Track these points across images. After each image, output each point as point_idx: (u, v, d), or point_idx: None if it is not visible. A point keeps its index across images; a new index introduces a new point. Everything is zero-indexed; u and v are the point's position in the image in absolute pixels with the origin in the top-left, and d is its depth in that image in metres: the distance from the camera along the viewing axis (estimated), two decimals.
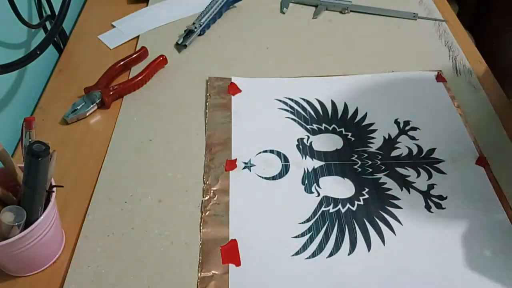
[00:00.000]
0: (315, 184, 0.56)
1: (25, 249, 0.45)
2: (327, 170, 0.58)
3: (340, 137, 0.62)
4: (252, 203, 0.54)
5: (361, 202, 0.54)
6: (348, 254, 0.50)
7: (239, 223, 0.52)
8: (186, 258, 0.50)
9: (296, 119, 0.64)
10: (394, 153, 0.60)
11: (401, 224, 0.52)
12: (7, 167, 0.46)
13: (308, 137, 0.62)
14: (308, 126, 0.63)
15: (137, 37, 0.80)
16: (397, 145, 0.60)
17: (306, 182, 0.57)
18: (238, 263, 0.49)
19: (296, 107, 0.66)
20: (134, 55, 0.73)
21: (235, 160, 0.59)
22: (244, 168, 0.58)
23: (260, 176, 0.57)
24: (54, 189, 0.47)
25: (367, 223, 0.52)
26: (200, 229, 0.52)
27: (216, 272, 0.48)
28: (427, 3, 0.86)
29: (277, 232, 0.52)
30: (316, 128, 0.63)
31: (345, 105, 0.66)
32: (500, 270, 0.48)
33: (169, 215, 0.54)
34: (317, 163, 0.59)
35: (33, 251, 0.46)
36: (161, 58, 0.72)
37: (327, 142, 0.61)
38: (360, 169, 0.58)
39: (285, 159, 0.59)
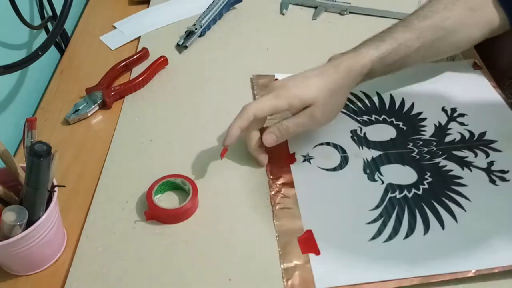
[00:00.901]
0: (377, 172, 0.57)
1: (26, 248, 0.45)
2: (386, 159, 0.59)
3: (392, 127, 0.62)
4: (319, 194, 0.55)
5: (426, 186, 0.55)
6: (424, 234, 0.51)
7: (310, 214, 0.53)
8: (187, 258, 0.50)
9: (345, 111, 0.65)
10: (448, 138, 0.61)
11: (469, 200, 0.53)
12: (9, 167, 0.47)
13: (361, 128, 0.62)
14: (358, 118, 0.64)
15: (138, 38, 0.81)
16: (449, 131, 0.61)
17: (368, 171, 0.57)
18: (317, 252, 0.49)
19: None
20: (135, 56, 0.74)
21: (294, 153, 0.59)
22: (303, 161, 0.59)
23: (322, 168, 0.58)
24: (56, 188, 0.47)
25: (436, 204, 0.53)
26: (274, 223, 0.52)
27: (298, 262, 0.49)
28: None
29: (349, 219, 0.53)
30: (367, 120, 0.64)
31: (391, 96, 0.67)
32: None
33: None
34: (375, 153, 0.59)
35: (35, 250, 0.46)
36: (162, 59, 0.73)
37: (380, 132, 0.62)
38: (418, 156, 0.59)
39: (342, 151, 0.60)
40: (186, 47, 0.78)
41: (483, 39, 0.61)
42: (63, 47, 0.80)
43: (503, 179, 0.55)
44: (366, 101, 0.66)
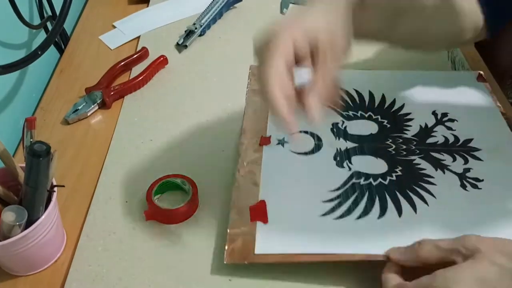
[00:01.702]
0: (347, 160, 0.57)
1: (26, 248, 0.45)
2: (360, 150, 0.58)
3: (375, 123, 0.62)
4: (284, 173, 0.55)
5: (393, 178, 0.55)
6: (378, 218, 0.50)
7: (269, 189, 0.53)
8: (187, 258, 0.50)
9: (332, 106, 0.64)
10: (430, 140, 0.60)
11: (435, 197, 0.52)
12: (9, 167, 0.47)
13: (343, 121, 0.62)
14: (344, 113, 0.64)
15: (138, 37, 0.81)
16: (433, 134, 0.60)
17: (338, 158, 0.57)
18: (265, 221, 0.50)
19: None
20: (135, 56, 0.74)
21: (270, 137, 0.60)
22: (277, 144, 0.59)
23: (293, 152, 0.58)
24: (55, 188, 0.47)
25: (398, 195, 0.53)
26: (232, 193, 0.53)
27: (245, 229, 0.49)
28: None
29: (307, 196, 0.53)
30: (351, 115, 0.63)
31: (383, 96, 0.66)
32: None
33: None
34: (350, 144, 0.59)
35: (35, 250, 0.46)
36: (162, 59, 0.73)
37: (362, 127, 0.61)
38: (394, 152, 0.58)
39: (318, 139, 0.60)
40: (186, 46, 0.77)
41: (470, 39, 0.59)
42: (63, 47, 0.80)
43: (475, 186, 0.53)
44: (357, 98, 0.66)
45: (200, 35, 0.80)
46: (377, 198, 0.52)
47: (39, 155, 0.41)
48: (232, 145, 0.61)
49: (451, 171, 0.55)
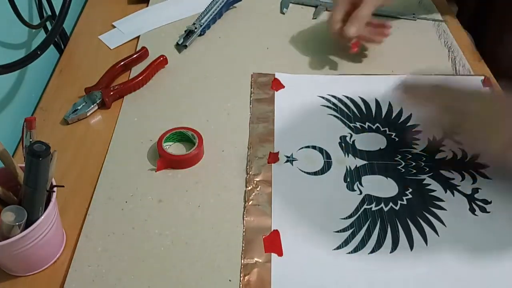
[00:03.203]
0: (358, 182, 0.56)
1: (25, 249, 0.45)
2: (370, 169, 0.58)
3: (383, 137, 0.61)
4: (294, 196, 0.55)
5: (404, 202, 0.54)
6: (390, 252, 0.50)
7: (281, 214, 0.53)
8: (186, 258, 0.50)
9: (339, 116, 0.64)
10: (439, 155, 0.59)
11: (445, 225, 0.52)
12: (8, 167, 0.47)
13: (351, 135, 0.62)
14: (351, 124, 0.63)
15: (138, 37, 0.80)
16: (441, 148, 0.60)
17: (348, 179, 0.57)
18: (280, 253, 0.50)
19: (339, 104, 0.66)
20: (135, 55, 0.74)
21: (278, 153, 0.59)
22: (286, 161, 0.59)
23: (302, 171, 0.58)
24: (55, 189, 0.47)
25: (410, 223, 0.52)
26: (244, 218, 0.53)
27: (259, 260, 0.49)
28: (426, 4, 0.86)
29: (319, 225, 0.52)
30: (359, 127, 0.63)
31: (390, 105, 0.66)
32: None
33: (170, 215, 0.54)
34: (360, 162, 0.58)
35: (34, 251, 0.46)
36: (162, 59, 0.73)
37: (370, 141, 0.61)
38: (403, 170, 0.57)
39: (327, 156, 0.59)
40: (185, 46, 0.77)
41: None
42: (62, 47, 0.80)
43: (484, 210, 0.53)
44: (363, 107, 0.66)
45: (200, 35, 0.80)
46: (389, 228, 0.52)
47: (38, 155, 0.41)
48: (232, 145, 0.61)
49: (460, 192, 0.55)
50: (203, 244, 0.51)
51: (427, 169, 0.57)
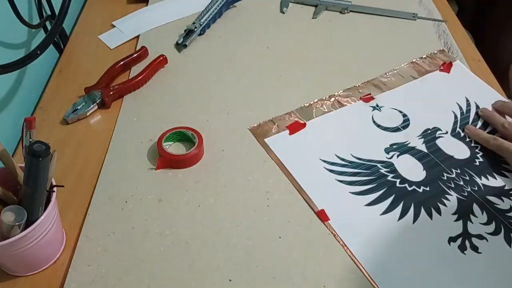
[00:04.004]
0: (397, 153, 0.59)
1: (25, 249, 0.45)
2: (420, 157, 0.59)
3: (469, 151, 0.60)
4: (346, 122, 0.63)
5: (420, 190, 0.55)
6: (365, 205, 0.54)
7: (321, 119, 0.64)
8: (186, 258, 0.50)
9: (458, 115, 0.64)
10: (495, 199, 0.55)
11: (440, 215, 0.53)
12: (8, 167, 0.47)
13: (447, 132, 0.62)
14: (457, 127, 0.63)
15: (137, 37, 0.80)
16: (505, 197, 0.55)
17: (395, 146, 0.59)
18: (291, 132, 0.62)
19: (464, 109, 0.66)
20: (134, 55, 0.74)
21: (374, 98, 0.66)
22: (372, 106, 0.65)
23: (373, 119, 0.63)
24: (55, 189, 0.47)
25: (412, 206, 0.54)
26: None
27: (276, 124, 0.63)
28: (426, 4, 0.86)
29: (329, 140, 0.61)
30: (459, 132, 0.62)
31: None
32: None
33: (169, 215, 0.54)
34: (422, 148, 0.60)
35: (34, 251, 0.46)
36: (161, 58, 0.72)
37: (452, 147, 0.60)
38: (445, 178, 0.56)
39: (405, 125, 0.63)
40: (185, 46, 0.77)
41: None
42: (62, 46, 0.80)
43: (475, 249, 0.50)
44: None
45: (200, 34, 0.80)
46: (383, 190, 0.55)
47: (38, 155, 0.41)
48: (232, 145, 0.61)
49: (465, 224, 0.53)
50: (203, 244, 0.51)
51: (465, 194, 0.55)
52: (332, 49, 0.76)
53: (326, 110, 0.65)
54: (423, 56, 0.73)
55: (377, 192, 0.55)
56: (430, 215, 0.53)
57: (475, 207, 0.54)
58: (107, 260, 0.50)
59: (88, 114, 0.66)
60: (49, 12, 0.76)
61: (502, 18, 0.83)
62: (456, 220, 0.53)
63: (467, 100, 0.66)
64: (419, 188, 0.55)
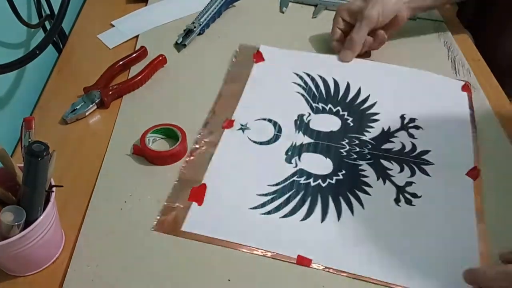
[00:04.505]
0: (297, 157, 0.59)
1: (24, 248, 0.45)
2: (314, 148, 0.60)
3: (340, 120, 0.63)
4: (234, 160, 0.59)
5: (333, 181, 0.56)
6: (301, 220, 0.52)
7: (214, 173, 0.57)
8: (186, 258, 0.50)
9: (305, 95, 0.67)
10: (386, 146, 0.60)
11: (363, 208, 0.54)
12: (7, 167, 0.46)
13: (309, 114, 0.64)
14: (313, 104, 0.66)
15: (137, 36, 0.80)
16: (392, 139, 0.61)
17: (290, 153, 0.59)
18: (200, 203, 0.54)
19: (310, 83, 0.69)
20: (134, 55, 0.73)
21: (233, 120, 0.63)
22: (239, 129, 0.62)
23: (250, 139, 0.61)
24: (54, 189, 0.47)
25: (330, 200, 0.54)
26: (180, 170, 0.57)
27: (180, 205, 0.54)
28: None
29: (245, 187, 0.56)
30: (320, 107, 0.65)
31: (359, 90, 0.68)
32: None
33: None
34: (307, 140, 0.61)
35: (33, 250, 0.46)
36: (161, 58, 0.72)
37: (325, 122, 0.63)
38: (345, 153, 0.59)
39: (278, 130, 0.62)
40: (185, 45, 0.77)
41: None
42: (61, 46, 0.80)
43: (409, 202, 0.54)
44: (332, 88, 0.68)
45: (199, 34, 0.80)
46: (308, 200, 0.54)
47: (37, 155, 0.41)
48: None
49: (392, 182, 0.56)
50: (203, 244, 0.51)
51: (369, 157, 0.59)
52: (332, 49, 0.76)
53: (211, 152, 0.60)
54: None
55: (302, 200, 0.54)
56: (366, 193, 0.55)
57: (384, 162, 0.58)
58: (106, 260, 0.50)
59: (87, 114, 0.66)
60: (48, 12, 0.76)
61: (502, 18, 0.83)
62: (384, 183, 0.56)
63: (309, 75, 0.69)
64: (338, 176, 0.57)
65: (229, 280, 0.48)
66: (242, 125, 0.62)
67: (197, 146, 0.60)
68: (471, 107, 0.65)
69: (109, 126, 0.64)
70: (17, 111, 0.67)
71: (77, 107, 0.65)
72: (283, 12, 0.85)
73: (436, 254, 0.49)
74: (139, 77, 0.69)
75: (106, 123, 0.65)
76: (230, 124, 0.62)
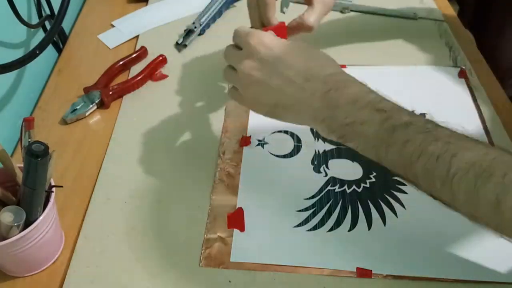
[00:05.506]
0: (324, 165, 0.58)
1: (24, 249, 0.45)
2: (337, 153, 0.59)
3: None
4: (262, 177, 0.57)
5: (367, 185, 0.55)
6: (348, 231, 0.51)
7: (247, 194, 0.55)
8: (186, 258, 0.49)
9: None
10: None
11: (405, 208, 0.53)
12: (7, 167, 0.46)
13: None
14: None
15: (137, 36, 0.80)
16: None
17: (316, 162, 0.58)
18: (242, 229, 0.51)
19: None
20: (134, 55, 0.73)
21: (250, 137, 0.61)
22: (257, 145, 0.60)
23: (272, 154, 0.59)
24: (54, 189, 0.47)
25: (370, 204, 0.53)
26: (211, 196, 0.54)
27: (222, 235, 0.51)
28: (427, 3, 0.85)
29: (282, 204, 0.54)
30: None
31: None
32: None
33: (169, 215, 0.53)
34: (328, 146, 0.60)
35: (33, 251, 0.46)
36: (161, 58, 0.72)
37: None
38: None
39: (297, 140, 0.61)
40: (185, 46, 0.77)
41: None
42: (61, 46, 0.80)
43: None
44: None
45: (200, 34, 0.79)
46: (349, 208, 0.53)
47: (37, 155, 0.41)
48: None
49: None
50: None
51: None
52: (332, 49, 0.76)
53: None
54: None
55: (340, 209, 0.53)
56: (403, 192, 0.54)
57: None
58: (106, 261, 0.49)
59: (87, 114, 0.66)
60: (48, 12, 0.76)
61: (503, 18, 0.82)
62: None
63: None
64: (370, 179, 0.56)
65: (229, 282, 0.48)
66: (259, 141, 0.61)
67: (219, 168, 0.57)
68: (471, 92, 0.66)
69: (109, 126, 0.64)
70: (17, 111, 0.67)
71: (77, 107, 0.65)
72: (284, 12, 0.85)
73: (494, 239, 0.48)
74: (139, 77, 0.69)
75: (106, 123, 0.65)
76: (247, 141, 0.60)
